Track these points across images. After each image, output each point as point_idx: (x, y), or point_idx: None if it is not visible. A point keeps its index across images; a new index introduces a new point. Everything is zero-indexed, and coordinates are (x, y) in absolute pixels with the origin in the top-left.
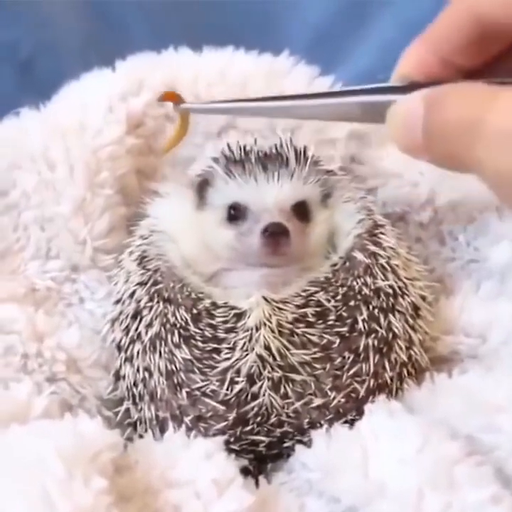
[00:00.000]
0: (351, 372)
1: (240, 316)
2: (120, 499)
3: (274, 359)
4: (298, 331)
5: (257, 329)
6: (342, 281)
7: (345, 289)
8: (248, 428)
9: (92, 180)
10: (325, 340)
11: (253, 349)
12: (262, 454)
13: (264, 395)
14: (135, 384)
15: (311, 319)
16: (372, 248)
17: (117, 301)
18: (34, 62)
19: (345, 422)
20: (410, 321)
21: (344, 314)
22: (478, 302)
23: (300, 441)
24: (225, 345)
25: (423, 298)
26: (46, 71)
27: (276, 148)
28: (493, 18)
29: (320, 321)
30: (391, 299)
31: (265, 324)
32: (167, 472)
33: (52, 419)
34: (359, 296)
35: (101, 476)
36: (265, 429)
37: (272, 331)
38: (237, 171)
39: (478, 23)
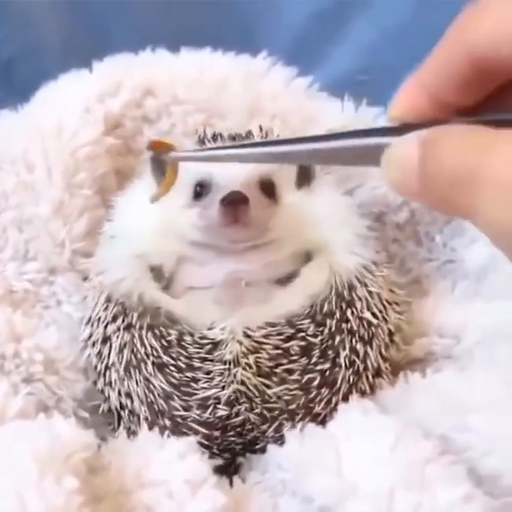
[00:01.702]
0: (324, 402)
1: (215, 345)
2: (93, 499)
3: (253, 393)
4: (277, 370)
5: (235, 365)
6: (328, 312)
7: (332, 321)
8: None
9: (70, 181)
10: (305, 378)
11: (231, 383)
12: (236, 452)
13: (242, 414)
14: (121, 406)
15: (294, 356)
16: (366, 280)
17: (87, 322)
18: (14, 64)
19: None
20: (383, 351)
21: (329, 351)
22: (453, 303)
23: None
24: (201, 375)
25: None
26: (26, 72)
27: (247, 133)
28: (490, 56)
29: (304, 358)
30: (372, 329)
31: (242, 362)
32: (140, 472)
33: (27, 420)
34: (345, 329)
35: (73, 476)
36: (240, 433)
37: (250, 367)
38: (205, 143)
39: (474, 61)
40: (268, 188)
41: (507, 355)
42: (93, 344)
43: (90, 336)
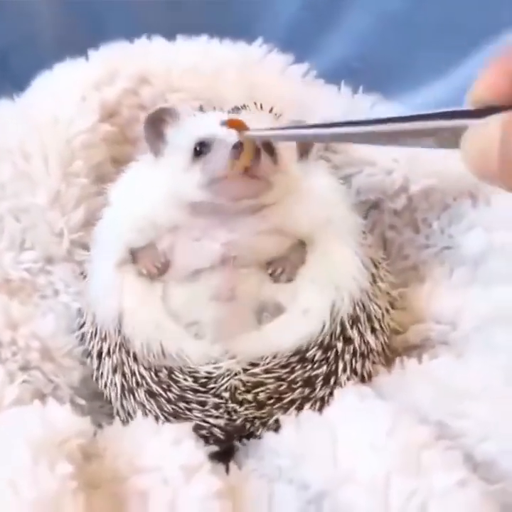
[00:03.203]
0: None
1: (209, 379)
2: (88, 486)
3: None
4: (275, 402)
5: (232, 401)
6: (330, 344)
7: (332, 352)
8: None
9: (66, 170)
10: (302, 404)
11: (227, 413)
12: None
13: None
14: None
15: (295, 386)
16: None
17: (81, 338)
18: (10, 54)
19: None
20: (379, 358)
21: (331, 380)
22: (450, 289)
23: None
24: (194, 406)
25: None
26: (22, 63)
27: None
28: None
29: (306, 388)
30: (371, 344)
31: (239, 398)
32: (135, 459)
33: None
34: (347, 356)
35: (68, 462)
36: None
37: (249, 403)
38: (204, 110)
39: None
40: (268, 147)
41: (503, 341)
42: (91, 357)
43: (88, 349)
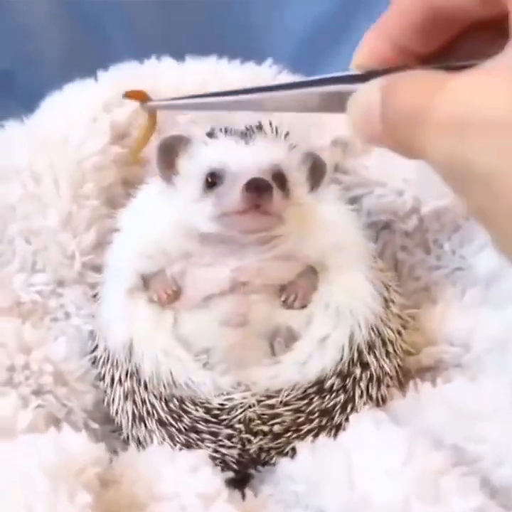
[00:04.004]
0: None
1: (221, 410)
2: None
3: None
4: (292, 433)
5: (246, 431)
6: (348, 371)
7: (350, 379)
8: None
9: (77, 192)
10: (318, 432)
11: (241, 443)
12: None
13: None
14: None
15: (313, 417)
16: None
17: (94, 358)
18: (16, 73)
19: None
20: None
21: (348, 407)
22: (462, 310)
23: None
24: (206, 436)
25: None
26: (28, 82)
27: (257, 124)
28: (446, 3)
29: (324, 418)
30: (385, 368)
31: (254, 429)
32: (152, 486)
33: (38, 432)
34: (363, 382)
35: (86, 491)
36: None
37: (265, 434)
38: (215, 137)
39: (432, 9)
40: (280, 180)
41: None
42: (105, 382)
43: (100, 374)
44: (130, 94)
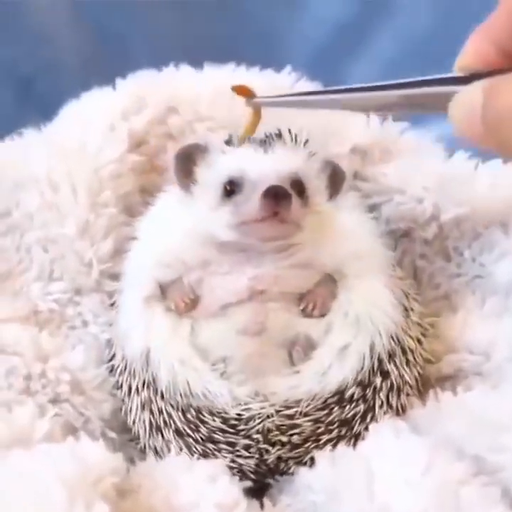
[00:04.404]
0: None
1: (238, 420)
2: None
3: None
4: (311, 443)
5: (264, 442)
6: (368, 380)
7: (370, 389)
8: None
9: (95, 200)
10: (338, 442)
11: (259, 453)
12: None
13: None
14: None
15: (333, 427)
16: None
17: (111, 366)
18: (34, 82)
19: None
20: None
21: (368, 417)
22: (482, 318)
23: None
24: (223, 446)
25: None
26: (46, 90)
27: (276, 132)
28: None
29: (343, 428)
30: (405, 377)
31: (273, 439)
32: (170, 496)
33: (55, 442)
34: (383, 391)
35: (103, 502)
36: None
37: (283, 445)
38: (232, 145)
39: None
40: (299, 188)
41: None
42: (120, 389)
43: (117, 382)
44: (237, 90)
